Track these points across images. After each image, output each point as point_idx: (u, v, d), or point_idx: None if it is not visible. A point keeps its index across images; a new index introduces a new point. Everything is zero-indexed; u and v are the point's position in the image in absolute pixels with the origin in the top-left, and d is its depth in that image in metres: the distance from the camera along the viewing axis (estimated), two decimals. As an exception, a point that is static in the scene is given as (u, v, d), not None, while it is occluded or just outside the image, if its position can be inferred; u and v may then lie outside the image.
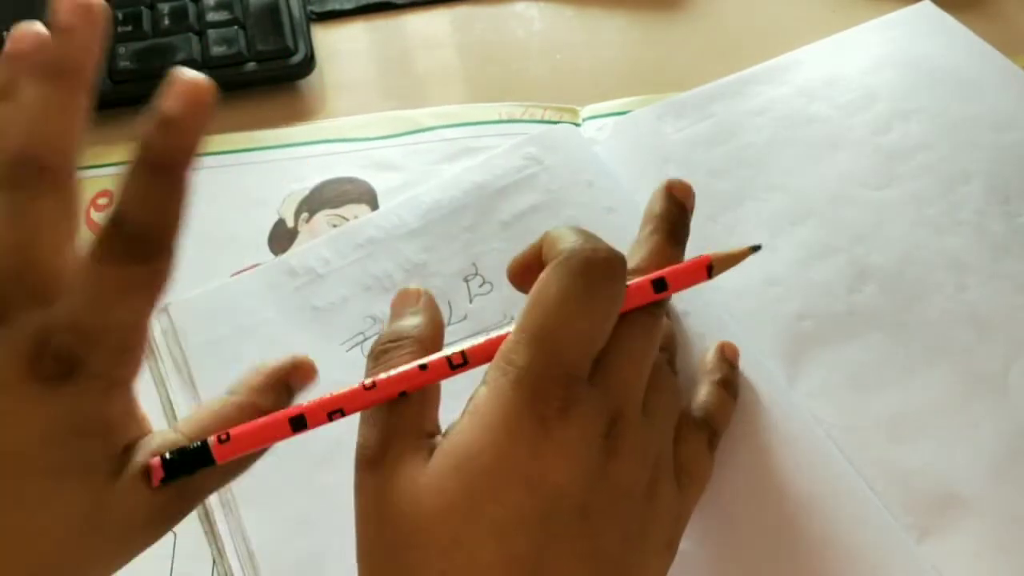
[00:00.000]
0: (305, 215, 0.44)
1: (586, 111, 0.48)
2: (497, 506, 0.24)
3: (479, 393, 0.25)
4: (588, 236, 0.27)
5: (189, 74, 0.22)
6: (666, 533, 0.28)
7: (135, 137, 0.22)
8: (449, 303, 0.40)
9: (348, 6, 0.55)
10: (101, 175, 0.45)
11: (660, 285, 0.28)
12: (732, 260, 0.30)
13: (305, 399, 0.27)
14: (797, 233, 0.42)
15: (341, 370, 0.38)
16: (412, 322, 0.28)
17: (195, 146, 0.22)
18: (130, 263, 0.22)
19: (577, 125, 0.47)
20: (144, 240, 0.22)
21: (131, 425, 0.25)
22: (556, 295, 0.25)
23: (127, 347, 0.23)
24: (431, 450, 0.25)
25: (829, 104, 0.46)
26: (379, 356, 0.27)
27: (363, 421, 0.27)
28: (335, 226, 0.43)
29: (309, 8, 0.54)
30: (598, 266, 0.26)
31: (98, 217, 0.44)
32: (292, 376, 0.28)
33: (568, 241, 0.27)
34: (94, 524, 0.23)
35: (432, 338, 0.28)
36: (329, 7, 0.54)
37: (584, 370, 0.25)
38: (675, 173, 0.44)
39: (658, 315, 0.28)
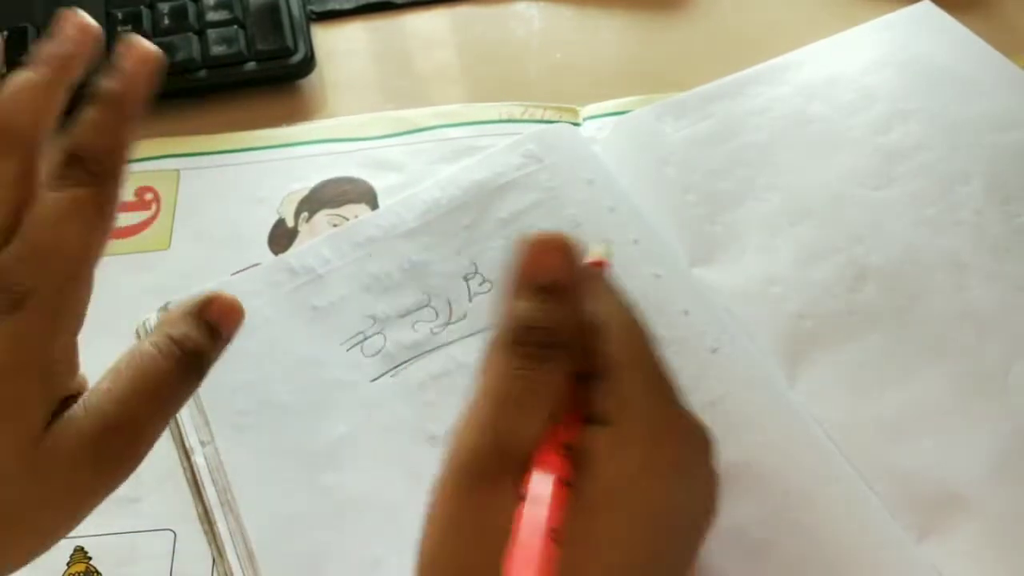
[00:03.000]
0: (305, 215, 0.44)
1: (586, 111, 0.48)
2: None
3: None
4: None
5: (140, 42, 0.26)
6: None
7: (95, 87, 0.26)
8: (449, 302, 0.40)
9: (348, 6, 0.55)
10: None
11: None
12: None
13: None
14: (797, 233, 0.42)
15: (341, 369, 0.38)
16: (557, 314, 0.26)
17: (143, 91, 0.26)
18: (79, 185, 0.24)
19: (577, 125, 0.47)
20: (94, 163, 0.25)
21: (71, 378, 0.25)
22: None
23: (74, 277, 0.24)
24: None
25: (829, 104, 0.46)
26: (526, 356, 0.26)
27: (478, 425, 0.25)
28: (335, 226, 0.43)
29: (309, 8, 0.54)
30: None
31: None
32: (209, 310, 0.27)
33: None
34: (31, 467, 0.23)
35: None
36: (329, 7, 0.54)
37: None
38: (674, 173, 0.44)
39: None
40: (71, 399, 0.24)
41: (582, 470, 0.24)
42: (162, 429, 0.26)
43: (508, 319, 0.26)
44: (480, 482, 0.24)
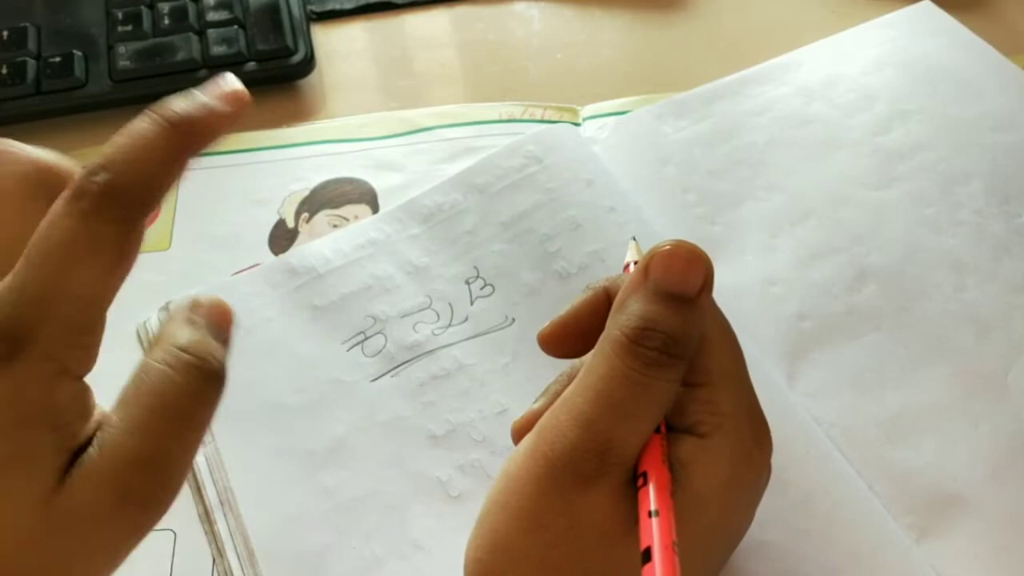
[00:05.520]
0: (305, 215, 0.44)
1: (586, 111, 0.48)
2: None
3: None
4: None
5: (235, 82, 0.22)
6: None
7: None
8: (451, 305, 0.40)
9: (348, 6, 0.55)
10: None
11: None
12: None
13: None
14: (797, 233, 0.42)
15: (341, 369, 0.38)
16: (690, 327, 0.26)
17: (217, 133, 0.22)
18: (100, 221, 0.20)
19: (577, 125, 0.47)
20: (131, 198, 0.21)
21: (84, 423, 0.21)
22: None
23: (81, 326, 0.21)
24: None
25: (828, 104, 0.46)
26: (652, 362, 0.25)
27: (580, 424, 0.25)
28: (335, 226, 0.43)
29: (309, 8, 0.54)
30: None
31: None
32: (201, 312, 0.24)
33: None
34: (49, 527, 0.20)
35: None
36: (329, 7, 0.54)
37: None
38: (674, 173, 0.44)
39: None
40: (87, 445, 0.21)
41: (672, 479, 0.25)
42: (194, 452, 0.22)
43: (633, 318, 0.25)
44: (575, 479, 0.24)
